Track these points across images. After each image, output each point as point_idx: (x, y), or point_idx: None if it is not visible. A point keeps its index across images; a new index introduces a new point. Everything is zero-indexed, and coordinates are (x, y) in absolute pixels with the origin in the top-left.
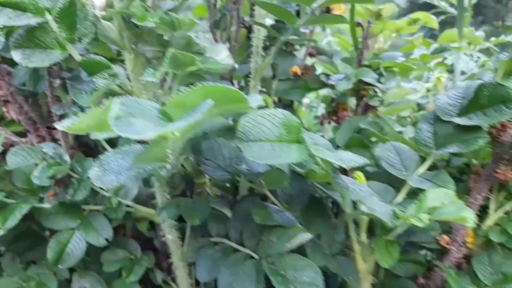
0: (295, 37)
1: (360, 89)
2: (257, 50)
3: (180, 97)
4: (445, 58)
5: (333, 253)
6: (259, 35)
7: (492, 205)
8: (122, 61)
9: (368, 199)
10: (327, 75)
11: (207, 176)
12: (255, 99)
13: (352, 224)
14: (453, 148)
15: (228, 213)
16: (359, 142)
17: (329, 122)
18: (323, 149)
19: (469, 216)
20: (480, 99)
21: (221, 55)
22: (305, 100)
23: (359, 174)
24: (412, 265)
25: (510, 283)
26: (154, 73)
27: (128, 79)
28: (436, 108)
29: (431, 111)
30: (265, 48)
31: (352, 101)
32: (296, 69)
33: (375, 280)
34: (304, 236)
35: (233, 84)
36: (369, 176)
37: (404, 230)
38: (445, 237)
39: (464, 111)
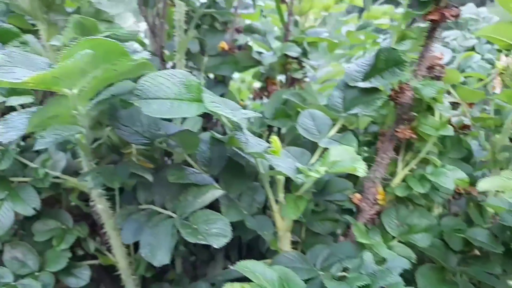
0: (213, 10)
1: (286, 63)
2: (179, 24)
3: (68, 50)
4: (378, 37)
5: (253, 212)
6: (180, 10)
7: (400, 165)
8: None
9: (275, 159)
10: (260, 53)
11: (133, 146)
12: (142, 54)
13: (267, 184)
14: (357, 110)
15: (149, 177)
16: (284, 113)
17: (261, 97)
18: (220, 106)
19: (360, 167)
20: (378, 64)
21: (128, 22)
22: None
23: (274, 138)
24: (330, 223)
25: (414, 233)
26: (59, 38)
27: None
28: (345, 75)
29: (342, 79)
30: (198, 26)
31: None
32: (224, 44)
33: (297, 238)
34: (216, 193)
35: (165, 63)
36: (299, 144)
37: (321, 190)
38: (357, 195)
39: (367, 76)
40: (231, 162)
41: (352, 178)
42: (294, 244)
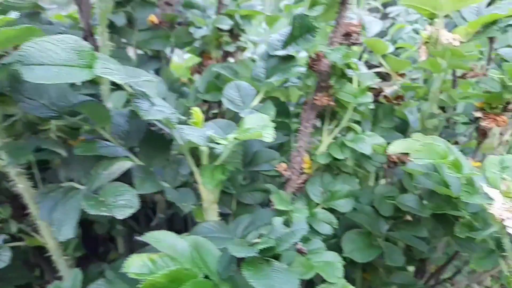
0: None
1: (219, 37)
2: None
3: None
4: None
5: (177, 185)
6: None
7: (324, 133)
8: None
9: (187, 129)
10: (199, 28)
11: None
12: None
13: (189, 155)
14: (275, 78)
15: (62, 152)
16: (215, 86)
17: (199, 72)
18: (113, 72)
19: (268, 132)
20: (294, 31)
21: None
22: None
23: (195, 109)
24: (259, 193)
25: (336, 199)
26: None
27: None
28: (267, 45)
29: (265, 49)
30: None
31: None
32: (153, 18)
33: (229, 211)
34: (125, 165)
35: (94, 38)
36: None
37: (249, 161)
38: (283, 165)
39: (285, 44)
40: (151, 135)
41: None
42: (226, 216)
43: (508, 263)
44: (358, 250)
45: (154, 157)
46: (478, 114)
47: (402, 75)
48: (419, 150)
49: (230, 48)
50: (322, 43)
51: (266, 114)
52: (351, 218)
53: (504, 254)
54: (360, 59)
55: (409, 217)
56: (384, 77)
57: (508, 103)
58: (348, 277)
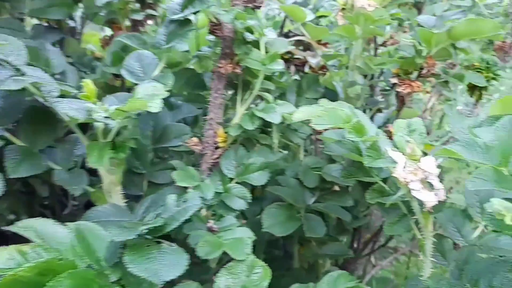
0: None
1: (126, 4)
2: None
3: None
4: None
5: (70, 166)
6: None
7: (238, 104)
8: None
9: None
10: None
11: None
12: None
13: (80, 132)
14: (173, 43)
15: None
16: (121, 58)
17: (108, 44)
18: None
19: (155, 102)
20: None
21: None
22: None
23: (86, 81)
24: (169, 171)
25: (250, 172)
26: None
27: None
28: (168, 9)
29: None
30: None
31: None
32: None
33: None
34: None
35: None
36: None
37: (158, 137)
38: (194, 139)
39: (183, 7)
40: (34, 112)
41: None
42: (139, 197)
43: (419, 227)
44: (278, 224)
45: (38, 136)
46: (394, 80)
47: (325, 44)
48: (321, 115)
49: (138, 17)
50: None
51: (164, 83)
52: (272, 192)
53: (415, 217)
54: (282, 28)
55: (337, 188)
56: (310, 47)
57: (421, 68)
58: (286, 251)
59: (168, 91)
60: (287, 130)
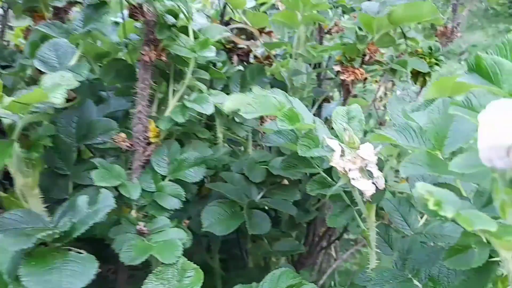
0: None
1: None
2: None
3: None
4: None
5: None
6: None
7: (170, 96)
8: None
9: None
10: None
11: None
12: None
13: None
14: (89, 27)
15: None
16: (37, 47)
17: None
18: None
19: (58, 93)
20: None
21: None
22: None
23: None
24: None
25: (184, 169)
26: None
27: None
28: None
29: None
30: None
31: None
32: None
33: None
34: None
35: None
36: None
37: (84, 134)
38: (122, 135)
39: None
40: None
41: None
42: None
43: (362, 217)
44: (218, 222)
45: None
46: (338, 68)
47: (269, 33)
48: (251, 103)
49: (59, 3)
50: None
51: (78, 73)
52: (213, 189)
53: (357, 208)
54: (222, 16)
55: (286, 182)
56: (254, 37)
57: (364, 55)
58: (241, 250)
59: (99, 83)
60: (232, 123)
